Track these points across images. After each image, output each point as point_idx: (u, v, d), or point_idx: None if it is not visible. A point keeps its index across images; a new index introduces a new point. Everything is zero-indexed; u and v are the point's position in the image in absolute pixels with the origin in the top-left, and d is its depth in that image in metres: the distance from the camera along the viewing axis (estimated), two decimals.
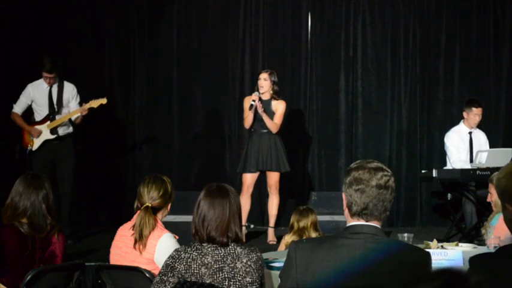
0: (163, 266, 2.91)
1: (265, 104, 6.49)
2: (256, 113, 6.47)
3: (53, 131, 6.52)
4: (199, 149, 7.95)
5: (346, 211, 2.49)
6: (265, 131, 6.52)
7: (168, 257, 2.92)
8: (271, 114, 6.50)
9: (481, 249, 3.85)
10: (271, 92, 6.52)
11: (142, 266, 3.43)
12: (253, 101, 6.42)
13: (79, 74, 7.54)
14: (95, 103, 6.46)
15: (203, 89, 7.94)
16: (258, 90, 6.51)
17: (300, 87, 7.95)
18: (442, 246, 4.00)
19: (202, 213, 2.94)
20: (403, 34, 8.03)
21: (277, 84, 6.58)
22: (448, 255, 3.61)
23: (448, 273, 1.41)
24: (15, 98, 6.69)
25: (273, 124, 6.46)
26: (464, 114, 7.00)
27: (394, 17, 8.04)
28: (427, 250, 2.74)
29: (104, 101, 6.47)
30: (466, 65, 8.10)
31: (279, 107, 6.53)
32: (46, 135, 6.52)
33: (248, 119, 6.50)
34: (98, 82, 7.70)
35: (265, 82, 6.48)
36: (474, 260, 3.05)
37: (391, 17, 8.04)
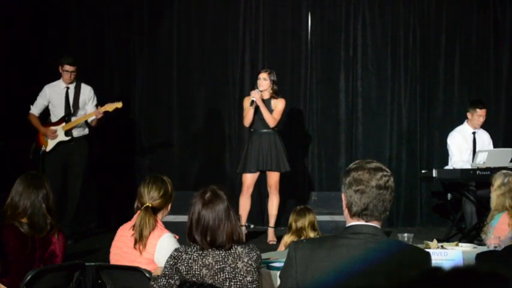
0: (166, 268, 2.89)
1: (265, 103, 6.50)
2: (256, 112, 6.47)
3: (68, 132, 6.53)
4: (199, 149, 7.95)
5: (345, 211, 2.48)
6: (265, 130, 6.52)
7: (170, 258, 2.90)
8: (270, 112, 6.50)
9: (481, 249, 3.85)
10: (270, 91, 6.54)
11: (143, 266, 3.43)
12: (253, 97, 6.43)
13: (79, 74, 7.54)
14: (110, 107, 6.46)
15: (203, 89, 7.94)
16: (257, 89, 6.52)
17: (300, 87, 7.95)
18: (442, 246, 4.00)
19: (205, 223, 2.89)
20: (403, 34, 8.03)
21: (277, 84, 6.59)
22: (448, 255, 3.61)
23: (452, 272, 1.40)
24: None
25: (271, 118, 6.47)
26: (468, 115, 6.99)
27: (394, 17, 8.04)
28: (427, 250, 2.74)
29: (119, 104, 6.47)
30: (466, 65, 8.09)
31: (278, 104, 6.55)
32: (61, 136, 6.52)
33: (248, 116, 6.50)
34: (98, 82, 7.68)
35: (264, 82, 6.50)
36: (480, 257, 3.06)
37: (391, 17, 8.04)
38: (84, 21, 7.80)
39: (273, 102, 6.55)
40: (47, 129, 6.50)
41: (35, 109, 6.61)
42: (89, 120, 6.62)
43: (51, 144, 6.50)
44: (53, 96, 6.59)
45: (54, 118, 6.61)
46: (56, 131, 6.49)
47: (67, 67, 6.53)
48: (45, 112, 6.68)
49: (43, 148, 6.48)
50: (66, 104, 6.58)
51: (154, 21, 7.95)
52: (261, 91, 6.50)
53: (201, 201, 2.95)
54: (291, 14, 7.99)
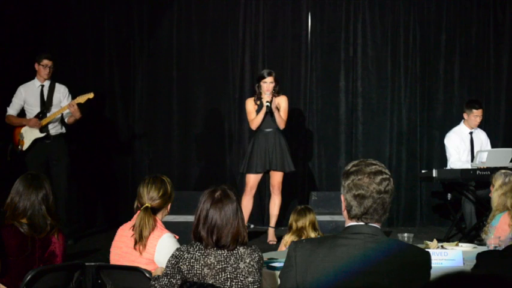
0: (168, 267, 2.89)
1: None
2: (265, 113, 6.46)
3: (43, 129, 6.48)
4: (199, 149, 7.95)
5: (344, 212, 2.48)
6: (269, 129, 6.51)
7: (172, 257, 2.90)
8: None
9: (481, 249, 3.84)
10: (272, 91, 6.53)
11: (142, 266, 3.43)
12: (268, 102, 6.41)
13: (79, 74, 7.55)
14: (82, 98, 6.42)
15: (203, 89, 7.94)
16: (259, 92, 6.49)
17: (300, 87, 7.94)
18: (442, 246, 4.00)
19: (212, 222, 2.89)
20: (403, 34, 8.03)
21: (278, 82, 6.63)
22: (448, 255, 3.61)
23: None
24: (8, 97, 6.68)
25: (283, 120, 6.49)
26: (465, 115, 6.99)
27: (394, 17, 8.04)
28: (427, 250, 2.74)
29: (90, 95, 6.42)
30: (466, 65, 8.09)
31: (281, 102, 6.54)
32: (36, 133, 6.46)
33: (258, 120, 6.47)
34: (98, 82, 7.70)
35: (271, 85, 6.48)
36: (481, 257, 3.06)
37: (391, 17, 8.04)
38: (84, 21, 7.81)
39: (276, 100, 6.53)
40: (30, 120, 6.45)
41: (12, 110, 6.57)
42: (65, 116, 6.55)
43: (27, 143, 6.44)
44: (28, 95, 6.55)
45: (29, 117, 6.53)
46: (38, 121, 6.44)
47: (45, 61, 6.51)
48: (21, 113, 6.61)
49: (19, 148, 6.43)
50: (41, 102, 6.54)
51: (154, 21, 7.95)
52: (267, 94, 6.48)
53: (211, 199, 2.94)
54: (291, 14, 7.99)
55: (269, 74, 6.52)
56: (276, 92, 6.54)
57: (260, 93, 6.52)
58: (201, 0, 8.01)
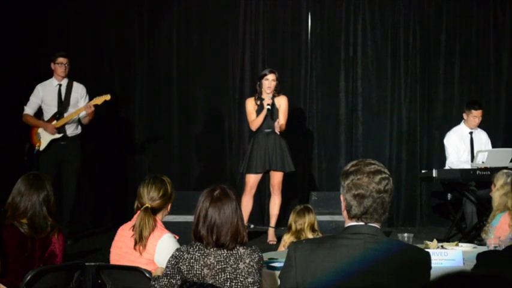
0: (168, 267, 2.89)
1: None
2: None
3: (60, 130, 6.49)
4: (200, 149, 7.95)
5: (344, 213, 2.48)
6: (269, 130, 6.50)
7: (172, 257, 2.90)
8: (275, 111, 6.49)
9: (481, 249, 3.84)
10: (274, 90, 6.52)
11: (142, 266, 3.43)
12: (268, 104, 6.39)
13: (79, 74, 7.53)
14: (99, 100, 6.45)
15: (203, 89, 7.94)
16: (260, 91, 6.48)
17: (300, 87, 7.95)
18: (442, 246, 4.00)
19: (211, 221, 2.89)
20: (403, 34, 8.03)
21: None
22: (448, 255, 3.61)
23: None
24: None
25: (283, 125, 6.47)
26: (464, 115, 6.99)
27: (394, 17, 8.04)
28: (427, 250, 2.74)
29: (107, 97, 6.45)
30: (466, 65, 8.10)
31: (282, 102, 6.52)
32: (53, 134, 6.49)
33: (257, 122, 6.46)
34: (98, 82, 7.70)
35: (273, 83, 6.47)
36: (481, 257, 3.06)
37: (391, 17, 8.04)
38: (84, 21, 7.81)
39: (276, 100, 6.52)
40: (48, 125, 6.47)
41: (29, 109, 6.56)
42: (81, 117, 6.57)
43: (44, 143, 6.45)
44: (45, 94, 6.55)
45: (47, 116, 6.55)
46: (54, 129, 6.46)
47: (61, 59, 6.52)
48: (38, 112, 6.62)
49: (37, 147, 6.42)
50: (59, 101, 6.54)
51: (154, 21, 7.95)
52: (268, 93, 6.45)
53: (210, 198, 2.94)
54: (291, 14, 7.99)
55: (271, 72, 6.50)
56: (277, 92, 6.53)
57: (261, 92, 6.50)
58: (201, 0, 8.01)
